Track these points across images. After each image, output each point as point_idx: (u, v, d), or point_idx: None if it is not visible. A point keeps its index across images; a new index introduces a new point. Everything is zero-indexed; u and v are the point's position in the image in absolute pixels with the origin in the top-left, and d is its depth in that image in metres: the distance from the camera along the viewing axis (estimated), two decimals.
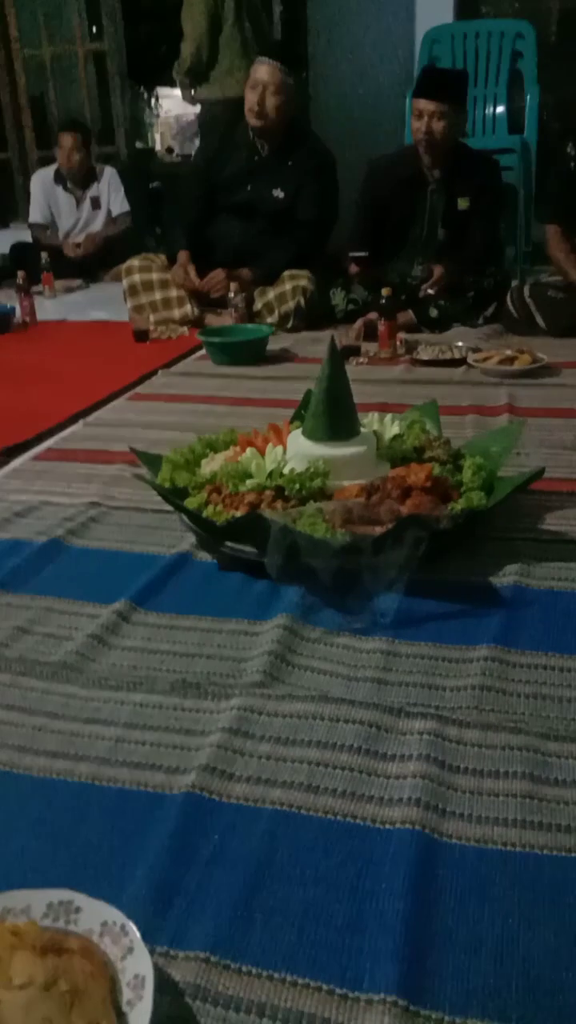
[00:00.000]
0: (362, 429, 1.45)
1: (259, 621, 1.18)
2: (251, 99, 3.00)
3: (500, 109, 4.11)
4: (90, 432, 2.05)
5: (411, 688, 1.02)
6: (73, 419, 2.13)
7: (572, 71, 3.96)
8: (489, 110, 4.15)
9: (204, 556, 1.39)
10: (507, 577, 1.27)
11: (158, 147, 8.99)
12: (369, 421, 1.51)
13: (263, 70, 2.99)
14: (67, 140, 4.38)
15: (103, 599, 1.26)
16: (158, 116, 9.37)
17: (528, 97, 3.93)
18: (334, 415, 1.39)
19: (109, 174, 4.52)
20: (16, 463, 1.87)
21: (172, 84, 6.48)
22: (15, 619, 1.21)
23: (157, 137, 9.39)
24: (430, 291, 2.91)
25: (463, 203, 2.97)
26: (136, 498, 1.62)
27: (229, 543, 1.31)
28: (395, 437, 1.49)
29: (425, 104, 2.84)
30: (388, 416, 1.53)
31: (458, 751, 0.91)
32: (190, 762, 0.91)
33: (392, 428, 1.50)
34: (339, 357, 1.39)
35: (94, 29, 5.71)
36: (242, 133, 3.13)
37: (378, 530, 1.24)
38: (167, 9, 4.79)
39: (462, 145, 3.08)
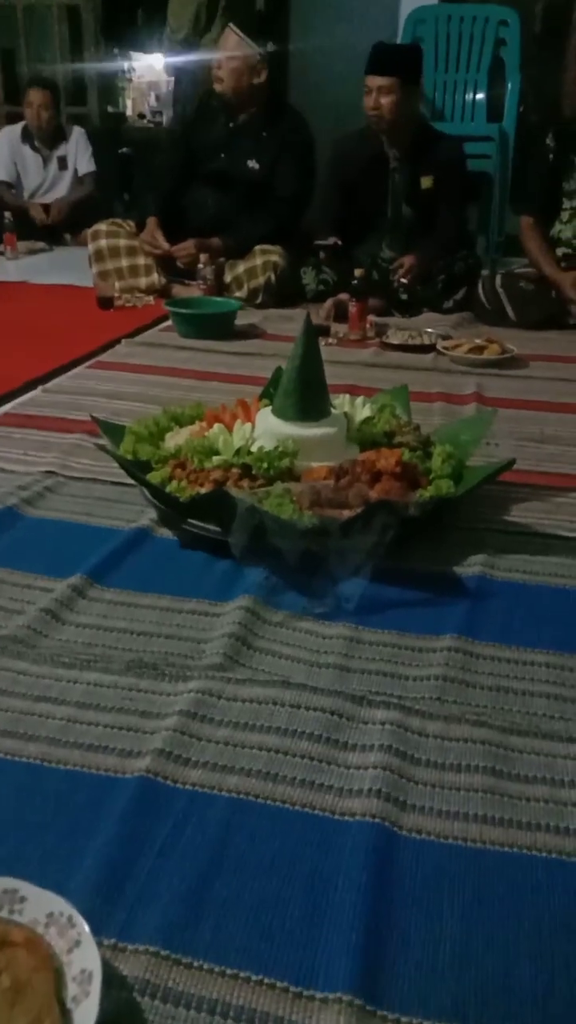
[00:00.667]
0: (332, 411, 1.42)
1: (220, 602, 1.15)
2: (215, 62, 2.96)
3: (479, 96, 4.08)
4: (49, 399, 1.99)
5: (373, 676, 1.00)
6: (31, 384, 2.06)
7: (555, 62, 3.94)
8: (468, 96, 4.11)
9: (165, 532, 1.35)
10: (472, 568, 1.25)
11: (129, 112, 8.78)
12: (340, 403, 1.48)
13: (224, 35, 2.98)
14: (36, 97, 4.24)
15: (58, 572, 1.21)
16: (131, 81, 9.15)
17: (509, 85, 3.91)
18: (305, 394, 1.36)
19: (78, 134, 4.40)
20: None
21: (146, 50, 6.33)
22: None
23: (129, 102, 9.17)
24: (403, 280, 2.88)
25: (426, 182, 2.93)
26: (95, 469, 1.57)
27: (192, 520, 1.28)
28: (365, 420, 1.46)
29: (372, 79, 2.81)
30: (359, 399, 1.50)
31: (420, 743, 0.89)
32: (145, 745, 0.88)
33: (363, 411, 1.47)
34: (314, 335, 1.36)
35: None
36: (219, 101, 3.06)
37: (346, 513, 1.22)
38: None
39: (424, 125, 3.05)
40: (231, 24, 3.03)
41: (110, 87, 6.60)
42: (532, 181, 2.87)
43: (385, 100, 2.80)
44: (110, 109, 6.37)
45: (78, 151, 4.38)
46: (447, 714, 0.93)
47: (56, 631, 1.08)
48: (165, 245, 3.00)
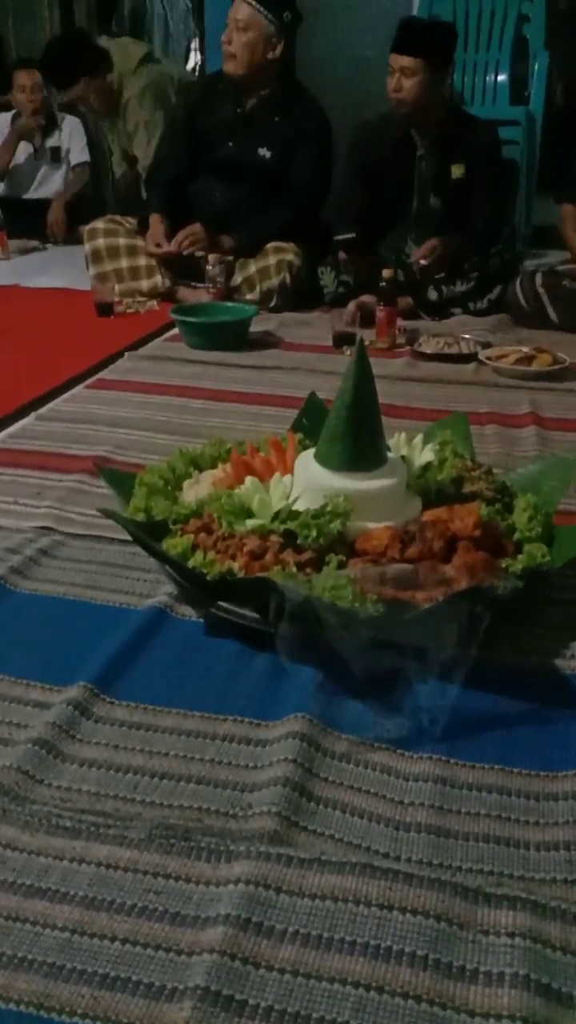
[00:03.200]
0: (388, 455, 1.16)
1: (264, 722, 0.89)
2: (224, 38, 2.67)
3: (502, 77, 3.80)
4: (43, 428, 1.72)
5: (484, 845, 0.75)
6: (22, 411, 1.79)
7: None
8: (489, 77, 3.83)
9: (187, 611, 1.09)
10: None
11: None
12: (395, 444, 1.21)
13: (236, 5, 2.67)
14: (25, 79, 3.95)
15: (55, 678, 0.95)
16: None
17: (536, 65, 3.62)
18: (359, 439, 1.09)
19: (72, 124, 4.11)
20: None
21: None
22: None
23: None
24: (422, 262, 2.58)
25: (457, 171, 2.66)
26: (99, 522, 1.30)
27: (223, 603, 1.02)
28: (426, 466, 1.20)
29: (396, 59, 2.53)
30: (417, 438, 1.24)
31: (567, 969, 0.64)
32: (180, 978, 0.62)
33: (424, 454, 1.21)
34: (368, 364, 1.10)
35: None
36: (226, 83, 2.78)
37: (419, 596, 0.96)
38: None
39: (455, 109, 2.78)
40: None
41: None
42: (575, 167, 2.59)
43: (407, 82, 2.52)
44: None
45: (72, 142, 4.10)
46: None
47: (53, 774, 0.82)
48: (168, 246, 2.72)
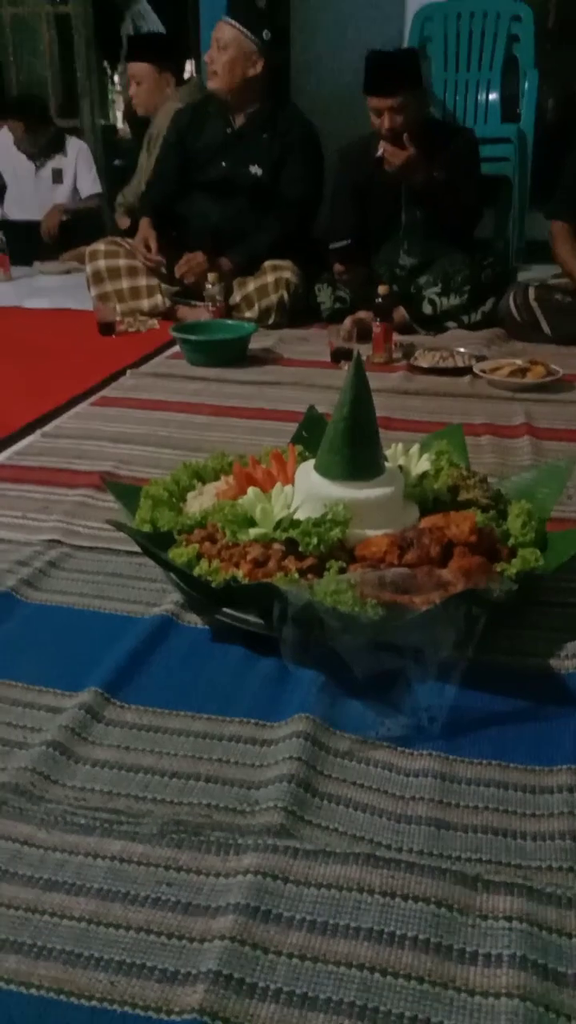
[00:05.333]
0: (385, 464, 1.19)
1: (269, 723, 0.93)
2: (206, 57, 2.78)
3: (493, 96, 3.86)
4: (48, 445, 1.76)
5: (482, 836, 0.78)
6: (28, 429, 1.84)
7: (573, 59, 3.73)
8: (481, 96, 3.90)
9: (193, 619, 1.12)
10: (571, 660, 1.03)
11: (120, 124, 8.59)
12: (392, 453, 1.25)
13: (217, 26, 2.79)
14: (15, 128, 3.99)
15: (66, 683, 0.99)
16: (120, 92, 8.96)
17: (526, 84, 3.69)
18: (357, 450, 1.13)
19: (78, 148, 4.14)
20: None
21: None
22: None
23: (119, 114, 8.99)
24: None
25: (441, 177, 2.72)
26: (105, 535, 1.34)
27: (227, 609, 1.05)
28: (423, 475, 1.23)
29: (379, 101, 2.58)
30: (414, 448, 1.28)
31: (561, 949, 0.67)
32: (194, 963, 0.65)
33: (420, 463, 1.24)
34: (364, 377, 1.14)
35: None
36: (215, 105, 2.86)
37: (417, 600, 0.99)
38: None
39: (432, 121, 2.85)
40: (225, 16, 2.83)
41: (102, 99, 6.38)
42: (567, 182, 2.65)
43: (398, 119, 2.57)
44: (101, 122, 6.16)
45: (78, 167, 4.14)
46: None
47: (67, 774, 0.85)
48: (156, 254, 2.79)
